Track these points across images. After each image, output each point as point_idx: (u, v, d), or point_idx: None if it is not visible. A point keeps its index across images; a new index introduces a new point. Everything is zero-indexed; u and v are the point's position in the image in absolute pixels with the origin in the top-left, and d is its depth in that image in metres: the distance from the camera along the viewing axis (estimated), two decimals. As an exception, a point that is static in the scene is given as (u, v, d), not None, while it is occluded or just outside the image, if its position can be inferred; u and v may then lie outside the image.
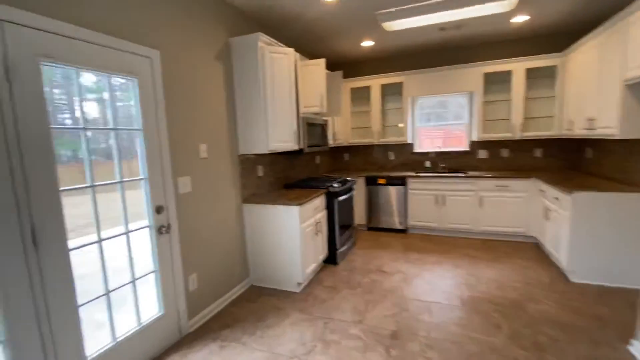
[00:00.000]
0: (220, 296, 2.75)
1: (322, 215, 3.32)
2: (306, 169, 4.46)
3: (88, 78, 1.75)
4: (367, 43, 4.11)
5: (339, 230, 3.54)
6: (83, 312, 1.71)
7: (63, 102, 1.66)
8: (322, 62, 3.33)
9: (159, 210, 2.14)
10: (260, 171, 3.30)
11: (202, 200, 2.55)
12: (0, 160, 1.37)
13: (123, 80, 1.95)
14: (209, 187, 2.62)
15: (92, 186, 1.75)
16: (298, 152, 3.51)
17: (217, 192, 2.72)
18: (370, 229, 4.80)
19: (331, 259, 3.53)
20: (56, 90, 1.64)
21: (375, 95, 4.75)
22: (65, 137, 1.67)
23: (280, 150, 3.05)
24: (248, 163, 3.11)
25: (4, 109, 1.38)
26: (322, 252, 3.35)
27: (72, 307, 1.66)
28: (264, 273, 3.06)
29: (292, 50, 2.97)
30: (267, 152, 2.90)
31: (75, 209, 1.70)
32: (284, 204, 2.85)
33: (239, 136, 2.97)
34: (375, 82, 4.72)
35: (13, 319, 1.42)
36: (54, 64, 1.57)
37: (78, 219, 1.74)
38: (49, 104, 1.55)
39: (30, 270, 1.48)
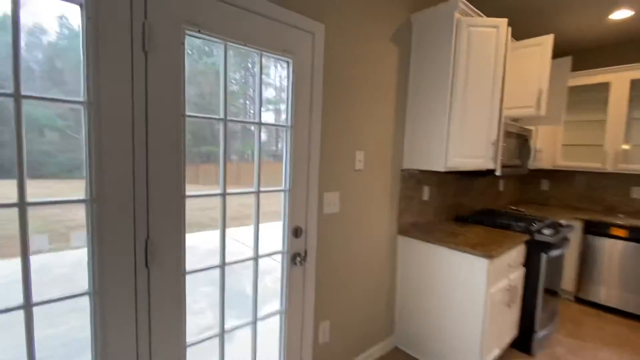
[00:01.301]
0: (354, 355, 2.05)
1: (518, 275, 2.15)
2: (484, 196, 3.26)
3: (232, 56, 1.35)
4: (622, 14, 2.59)
5: (541, 301, 2.25)
6: (190, 355, 1.32)
7: (200, 84, 1.30)
8: (547, 40, 2.17)
9: (296, 232, 1.62)
10: (425, 194, 2.44)
11: (349, 225, 1.92)
12: (124, 152, 1.07)
13: (272, 62, 1.51)
14: (359, 208, 1.97)
15: (223, 194, 1.35)
16: (481, 174, 2.46)
17: (369, 216, 2.04)
18: (580, 301, 3.12)
19: (523, 344, 2.28)
20: (192, 69, 1.30)
21: (618, 96, 3.04)
22: (197, 128, 1.31)
23: (465, 169, 2.10)
24: (411, 181, 2.31)
25: (135, 87, 1.08)
26: (510, 332, 2.17)
27: (180, 347, 1.28)
28: (415, 336, 2.18)
29: (503, 21, 1.97)
30: (443, 170, 2.02)
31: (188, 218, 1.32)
32: (463, 250, 1.89)
33: (405, 145, 2.20)
34: (619, 77, 3.03)
35: (108, 355, 1.11)
36: (199, 34, 1.22)
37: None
38: (186, 85, 1.21)
39: (138, 297, 1.15)
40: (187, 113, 1.21)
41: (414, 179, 2.33)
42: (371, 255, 2.09)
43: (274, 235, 1.62)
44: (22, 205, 0.93)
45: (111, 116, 1.04)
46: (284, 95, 1.52)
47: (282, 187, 1.57)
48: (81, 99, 1.00)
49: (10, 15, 0.87)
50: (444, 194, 2.66)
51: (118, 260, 1.10)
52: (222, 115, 1.31)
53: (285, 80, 1.53)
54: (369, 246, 2.07)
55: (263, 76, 1.42)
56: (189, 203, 1.25)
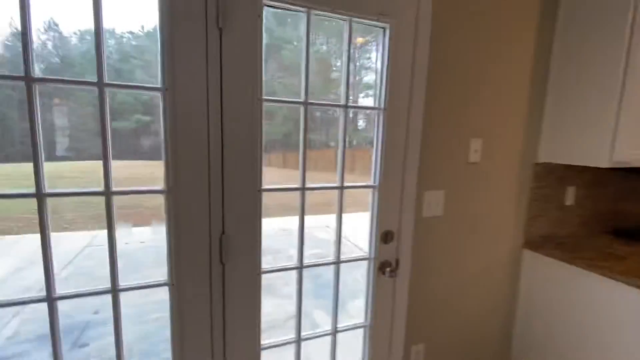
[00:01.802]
0: (454, 388, 1.69)
1: None
2: (664, 202, 2.29)
3: (314, 26, 1.14)
4: None
5: None
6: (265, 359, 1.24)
7: (279, 62, 1.13)
8: None
9: (386, 237, 1.35)
10: (569, 196, 1.81)
11: (455, 232, 1.53)
12: (199, 140, 1.00)
13: (362, 32, 1.24)
14: (471, 211, 1.55)
15: (302, 189, 1.18)
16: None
17: (484, 223, 1.60)
18: None
19: None
20: (270, 46, 1.14)
21: None
22: (278, 112, 1.15)
23: (645, 166, 1.43)
24: (549, 179, 1.73)
25: (209, 69, 0.98)
26: None
27: (254, 350, 1.21)
28: (542, 384, 1.66)
29: None
30: (605, 166, 1.41)
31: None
32: (635, 284, 1.29)
33: (544, 131, 1.64)
34: None
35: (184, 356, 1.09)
36: (278, 3, 1.05)
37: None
38: (263, 65, 1.06)
39: (213, 294, 1.10)
40: (264, 96, 1.07)
41: (554, 176, 1.74)
42: (484, 272, 1.65)
43: (363, 227, 1.39)
44: (108, 193, 0.94)
45: (186, 101, 0.97)
46: (378, 70, 1.25)
47: (371, 182, 1.32)
48: (158, 85, 0.95)
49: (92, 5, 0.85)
50: (598, 198, 1.94)
51: (194, 254, 1.05)
52: (302, 98, 1.13)
53: (378, 53, 1.25)
54: (482, 260, 1.64)
55: (352, 51, 1.17)
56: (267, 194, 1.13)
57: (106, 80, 0.89)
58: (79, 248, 4.60)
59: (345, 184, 1.25)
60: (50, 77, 0.85)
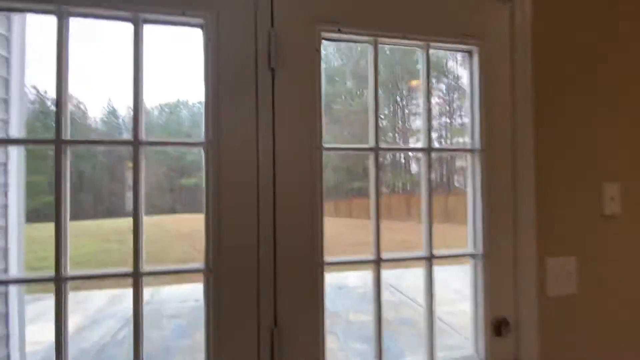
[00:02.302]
0: None
1: None
2: None
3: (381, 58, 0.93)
4: None
5: None
6: None
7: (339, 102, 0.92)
8: None
9: (499, 327, 0.95)
10: None
11: (600, 318, 1.06)
12: (247, 202, 0.79)
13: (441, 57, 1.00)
14: (620, 286, 1.08)
15: (377, 261, 0.88)
16: None
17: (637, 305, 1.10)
18: None
19: None
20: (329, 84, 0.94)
21: None
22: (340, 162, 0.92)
23: None
24: None
25: (260, 115, 0.81)
26: None
27: None
28: None
29: None
30: None
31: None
32: None
33: None
34: None
35: None
36: (339, 35, 0.88)
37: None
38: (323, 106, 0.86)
39: (259, 412, 0.80)
40: (325, 144, 0.85)
41: None
42: (654, 379, 1.10)
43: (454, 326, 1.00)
44: (136, 274, 0.75)
45: (232, 155, 0.79)
46: (468, 100, 0.98)
47: (470, 250, 0.97)
48: (201, 140, 0.79)
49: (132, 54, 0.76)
50: None
51: (237, 352, 0.79)
52: (372, 144, 0.89)
53: (465, 79, 0.99)
54: (648, 360, 1.09)
55: (433, 83, 0.93)
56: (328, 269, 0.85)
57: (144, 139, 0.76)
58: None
59: (437, 253, 0.92)
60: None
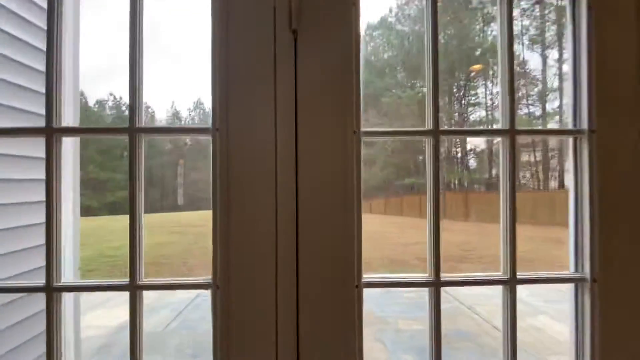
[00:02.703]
0: None
1: None
2: None
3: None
4: None
5: None
6: None
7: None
8: None
9: (616, 384, 0.66)
10: None
11: None
12: (263, 202, 0.63)
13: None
14: None
15: (436, 283, 0.66)
16: None
17: None
18: None
19: None
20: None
21: None
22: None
23: None
24: None
25: (279, 91, 0.63)
26: None
27: None
28: None
29: None
30: None
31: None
32: None
33: None
34: None
35: None
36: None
37: None
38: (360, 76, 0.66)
39: None
40: (364, 128, 0.65)
41: None
42: None
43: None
44: (133, 287, 0.63)
45: (244, 146, 0.63)
46: (574, 75, 0.69)
47: (571, 271, 0.69)
48: (208, 126, 0.64)
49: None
50: None
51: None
52: (430, 125, 0.66)
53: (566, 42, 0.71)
54: None
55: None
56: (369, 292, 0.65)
57: (140, 123, 0.63)
58: (191, 297, 4.85)
59: (522, 275, 0.66)
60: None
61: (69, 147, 1.88)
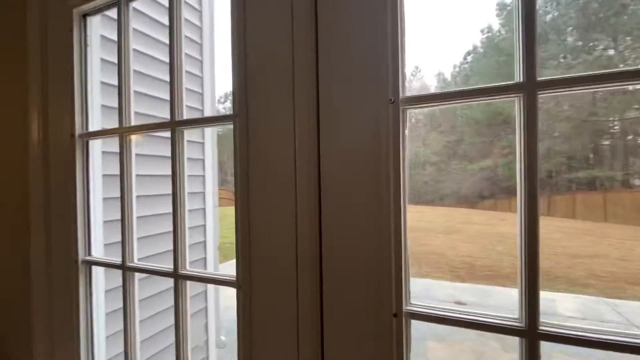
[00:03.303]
0: None
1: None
2: None
3: None
4: None
5: None
6: None
7: None
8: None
9: None
10: None
11: None
12: (283, 195, 0.54)
13: None
14: None
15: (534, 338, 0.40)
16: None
17: None
18: None
19: None
20: None
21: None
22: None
23: None
24: None
25: (297, 47, 0.52)
26: None
27: None
28: None
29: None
30: None
31: None
32: None
33: None
34: None
35: None
36: None
37: None
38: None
39: None
40: (409, 94, 0.46)
41: None
42: None
43: None
44: (176, 275, 0.65)
45: (260, 128, 0.55)
46: None
47: None
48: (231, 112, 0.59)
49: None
50: None
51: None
52: (521, 77, 0.41)
53: None
54: None
55: None
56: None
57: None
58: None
59: None
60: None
61: (209, 147, 2.28)
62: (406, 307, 0.46)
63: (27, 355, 0.83)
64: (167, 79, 0.66)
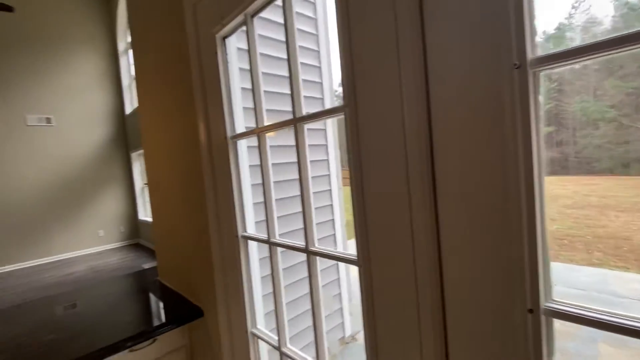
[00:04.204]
0: None
1: None
2: None
3: None
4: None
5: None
6: None
7: None
8: None
9: None
10: None
11: None
12: (392, 171, 0.54)
13: None
14: None
15: None
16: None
17: None
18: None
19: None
20: None
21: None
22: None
23: None
24: None
25: (401, 19, 0.50)
26: None
27: None
28: None
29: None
30: None
31: None
32: None
33: None
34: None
35: None
36: None
37: None
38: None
39: None
40: (538, 53, 0.38)
41: None
42: None
43: None
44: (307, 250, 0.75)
45: (370, 117, 0.56)
46: None
47: None
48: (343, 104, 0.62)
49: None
50: None
51: None
52: None
53: None
54: None
55: None
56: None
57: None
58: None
59: None
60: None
61: (330, 133, 2.43)
62: (545, 303, 0.40)
63: (213, 306, 1.12)
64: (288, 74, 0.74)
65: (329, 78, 2.34)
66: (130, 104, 5.90)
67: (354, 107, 0.58)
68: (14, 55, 4.82)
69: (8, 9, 3.25)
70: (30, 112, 4.97)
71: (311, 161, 1.90)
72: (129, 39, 5.76)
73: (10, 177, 4.86)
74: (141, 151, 5.53)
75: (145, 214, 6.01)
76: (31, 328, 1.13)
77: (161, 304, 1.28)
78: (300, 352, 0.86)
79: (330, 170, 2.40)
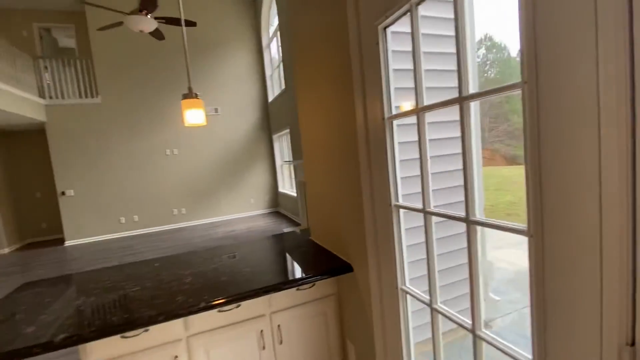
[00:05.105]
0: None
1: None
2: None
3: None
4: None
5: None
6: None
7: None
8: None
9: None
10: None
11: None
12: (578, 152, 0.55)
13: None
14: None
15: None
16: None
17: None
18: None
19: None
20: None
21: None
22: None
23: None
24: None
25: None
26: None
27: None
28: None
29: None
30: None
31: None
32: None
33: None
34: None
35: None
36: None
37: None
38: None
39: None
40: None
41: None
42: None
43: None
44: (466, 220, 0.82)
45: (554, 95, 0.57)
46: None
47: None
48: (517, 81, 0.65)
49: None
50: None
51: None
52: None
53: None
54: None
55: None
56: None
57: (466, 92, 0.77)
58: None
59: None
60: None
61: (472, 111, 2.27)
62: None
63: (364, 264, 1.31)
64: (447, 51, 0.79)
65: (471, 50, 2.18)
66: (272, 92, 6.84)
67: (535, 84, 0.60)
68: (194, 59, 6.24)
69: (192, 24, 4.21)
70: (206, 105, 6.42)
71: (451, 138, 1.86)
72: (270, 35, 6.63)
73: (198, 156, 6.52)
74: (281, 133, 6.44)
75: (283, 186, 7.04)
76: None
77: (317, 259, 1.57)
78: (450, 310, 0.95)
79: (472, 150, 2.27)
